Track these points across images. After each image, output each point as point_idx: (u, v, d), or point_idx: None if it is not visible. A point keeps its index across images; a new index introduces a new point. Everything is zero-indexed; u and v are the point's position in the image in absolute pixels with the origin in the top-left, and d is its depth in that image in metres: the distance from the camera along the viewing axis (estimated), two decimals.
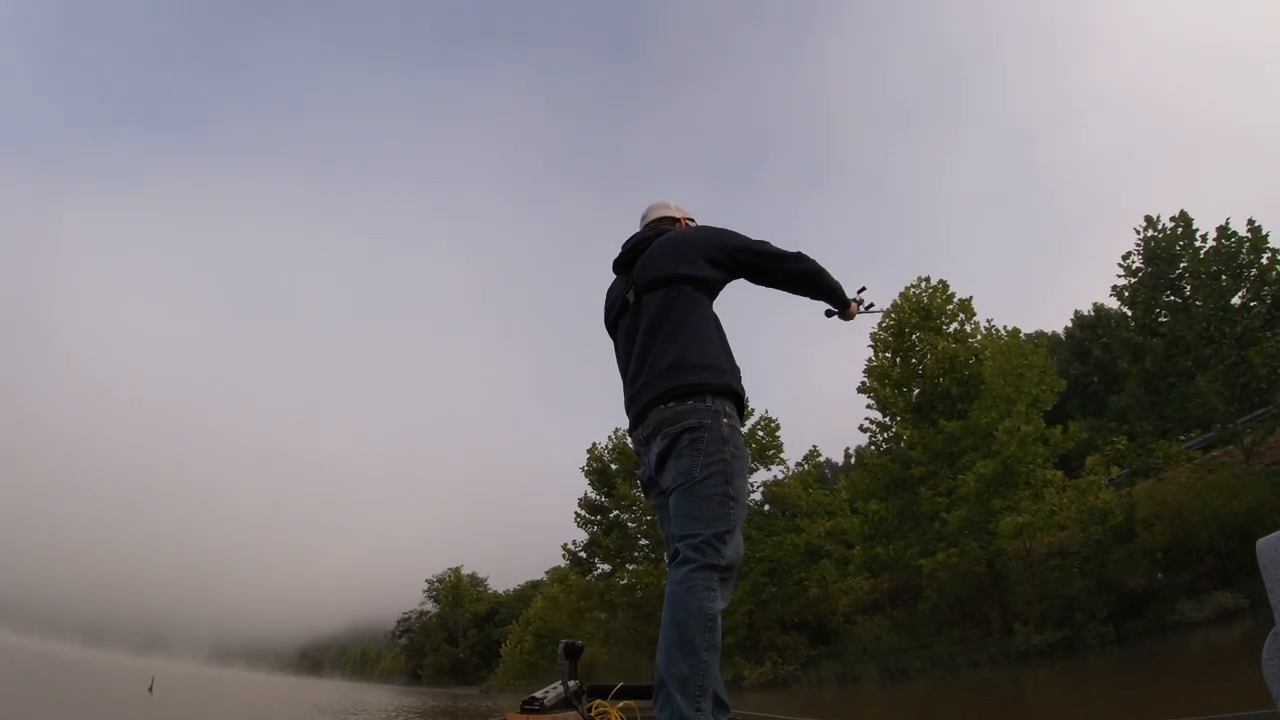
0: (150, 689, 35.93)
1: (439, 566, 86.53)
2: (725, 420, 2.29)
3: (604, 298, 2.93)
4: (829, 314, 2.92)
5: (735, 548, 2.22)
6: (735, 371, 2.46)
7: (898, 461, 20.85)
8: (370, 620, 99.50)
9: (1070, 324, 43.52)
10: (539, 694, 2.80)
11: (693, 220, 2.98)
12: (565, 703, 2.78)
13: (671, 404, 2.31)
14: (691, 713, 1.97)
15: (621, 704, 2.88)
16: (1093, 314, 41.86)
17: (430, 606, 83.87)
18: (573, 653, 2.93)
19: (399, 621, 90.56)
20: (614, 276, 2.90)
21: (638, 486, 29.04)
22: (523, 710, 2.68)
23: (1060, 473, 20.07)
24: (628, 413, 2.56)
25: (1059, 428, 19.79)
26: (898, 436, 20.71)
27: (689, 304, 2.49)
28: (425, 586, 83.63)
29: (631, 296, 2.63)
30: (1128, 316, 20.04)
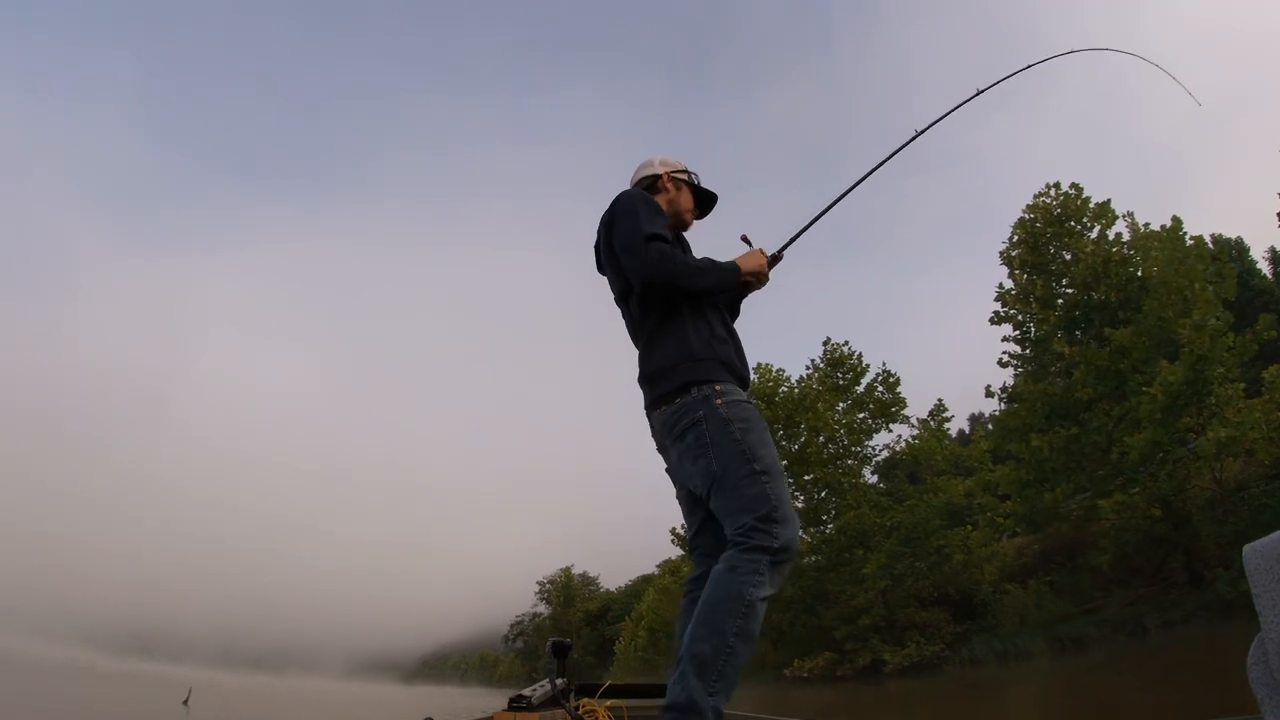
0: (186, 701, 36.25)
1: (551, 569, 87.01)
2: (718, 401, 2.17)
3: None
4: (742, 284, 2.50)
5: (789, 526, 2.03)
6: (709, 344, 2.27)
7: (1057, 386, 17.54)
8: (489, 626, 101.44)
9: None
10: (526, 691, 2.80)
11: (684, 174, 2.68)
12: (553, 700, 2.80)
13: (663, 408, 2.26)
14: (702, 696, 1.81)
15: (609, 703, 2.93)
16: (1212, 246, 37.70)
17: (542, 608, 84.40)
18: (560, 651, 2.96)
19: (512, 625, 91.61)
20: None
21: None
22: (510, 708, 2.70)
23: (1241, 385, 16.80)
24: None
25: (1232, 335, 16.55)
26: (1053, 358, 17.41)
27: (651, 309, 2.35)
28: (536, 589, 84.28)
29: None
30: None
